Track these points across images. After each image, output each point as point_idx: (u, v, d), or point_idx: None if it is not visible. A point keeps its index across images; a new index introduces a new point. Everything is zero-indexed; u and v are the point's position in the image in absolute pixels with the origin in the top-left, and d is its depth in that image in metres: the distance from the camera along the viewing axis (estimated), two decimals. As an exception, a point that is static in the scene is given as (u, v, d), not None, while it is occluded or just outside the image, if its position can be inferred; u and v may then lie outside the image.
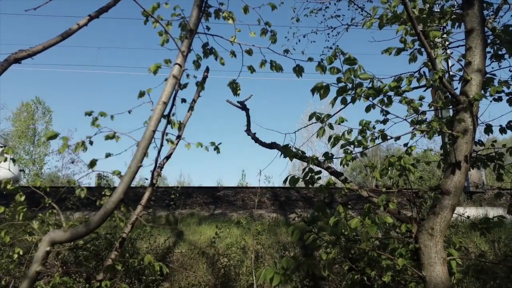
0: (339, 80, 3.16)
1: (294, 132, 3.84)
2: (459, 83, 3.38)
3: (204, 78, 4.26)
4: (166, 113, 3.02)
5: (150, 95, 3.18)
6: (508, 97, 3.53)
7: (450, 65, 7.59)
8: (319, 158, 3.56)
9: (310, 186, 3.38)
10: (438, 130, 3.09)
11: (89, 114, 3.39)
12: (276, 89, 58.12)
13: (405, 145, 3.42)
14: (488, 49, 3.48)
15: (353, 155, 3.48)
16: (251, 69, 3.88)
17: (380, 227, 4.93)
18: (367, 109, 3.44)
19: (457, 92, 3.21)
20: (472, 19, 3.18)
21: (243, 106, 4.54)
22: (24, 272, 5.53)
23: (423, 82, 3.54)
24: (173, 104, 3.53)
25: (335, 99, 3.27)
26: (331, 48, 9.53)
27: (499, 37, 3.50)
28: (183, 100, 3.95)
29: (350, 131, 3.44)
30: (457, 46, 3.96)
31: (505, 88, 3.40)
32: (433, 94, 5.95)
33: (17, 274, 5.66)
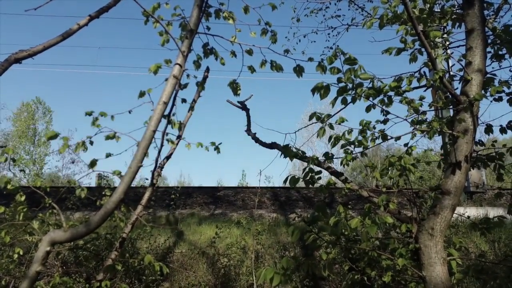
0: (339, 80, 3.16)
1: (295, 132, 3.84)
2: (459, 83, 3.39)
3: (205, 78, 4.26)
4: (166, 113, 3.02)
5: (150, 95, 3.18)
6: (508, 97, 3.53)
7: (450, 65, 7.60)
8: (319, 158, 3.56)
9: (310, 186, 3.38)
10: (439, 130, 3.09)
11: (89, 114, 3.39)
12: (276, 89, 58.17)
13: (406, 145, 3.42)
14: (488, 49, 3.48)
15: (353, 155, 3.47)
16: (252, 69, 3.88)
17: (380, 227, 4.93)
18: (368, 109, 3.44)
19: (458, 92, 3.21)
20: (473, 19, 3.18)
21: (243, 106, 4.54)
22: (24, 272, 5.53)
23: (424, 82, 3.54)
24: (173, 104, 3.53)
25: (336, 99, 3.27)
26: (331, 48, 9.54)
27: (499, 37, 3.50)
28: (184, 100, 3.95)
29: (350, 131, 3.44)
30: (458, 46, 3.96)
31: (505, 88, 3.40)
32: (433, 94, 5.95)
33: (17, 274, 5.66)
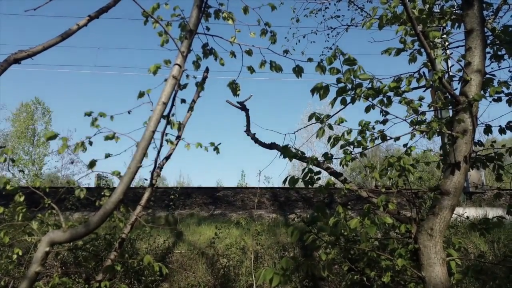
0: (338, 81, 3.16)
1: (294, 133, 3.85)
2: (458, 83, 3.39)
3: (204, 78, 4.25)
4: (165, 113, 3.02)
5: (149, 96, 3.18)
6: (507, 98, 3.53)
7: (449, 65, 7.59)
8: (318, 159, 3.56)
9: (309, 186, 3.38)
10: (438, 130, 3.09)
11: (88, 114, 3.39)
12: (276, 89, 58.20)
13: (405, 145, 3.42)
14: (487, 49, 3.48)
15: (352, 156, 3.48)
16: (251, 69, 3.88)
17: (380, 227, 4.93)
18: (367, 110, 3.44)
19: (457, 92, 3.21)
20: (472, 19, 3.18)
21: (242, 107, 4.54)
22: (23, 272, 5.52)
23: (423, 82, 3.54)
24: (172, 105, 3.53)
25: (335, 99, 3.27)
26: (330, 48, 9.53)
27: (498, 37, 3.50)
28: (183, 101, 3.95)
29: (349, 131, 3.44)
30: (457, 47, 3.97)
31: (504, 89, 3.40)
32: (432, 94, 5.95)
33: (17, 274, 5.66)
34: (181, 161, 55.65)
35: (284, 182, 3.29)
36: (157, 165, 4.03)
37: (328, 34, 10.09)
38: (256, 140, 4.31)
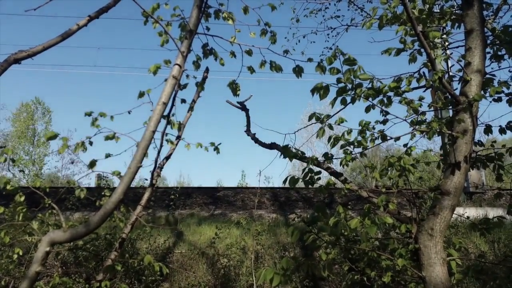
0: (338, 81, 3.16)
1: (294, 133, 3.85)
2: (458, 83, 3.39)
3: (204, 78, 4.25)
4: (165, 113, 3.03)
5: (149, 96, 3.18)
6: (507, 98, 3.53)
7: (449, 65, 7.59)
8: (318, 159, 3.56)
9: (310, 186, 3.38)
10: (438, 130, 3.09)
11: (88, 114, 3.39)
12: (276, 89, 58.19)
13: (405, 145, 3.42)
14: (487, 49, 3.48)
15: (353, 156, 3.48)
16: (251, 69, 3.88)
17: (380, 227, 4.93)
18: (367, 110, 3.44)
19: (457, 92, 3.21)
20: (472, 19, 3.18)
21: (243, 107, 4.54)
22: (24, 272, 5.52)
23: (423, 82, 3.54)
24: (172, 105, 3.53)
25: (335, 99, 3.27)
26: (331, 48, 9.52)
27: (498, 37, 3.50)
28: (183, 101, 3.95)
29: (349, 131, 3.44)
30: (457, 47, 3.97)
31: (504, 89, 3.40)
32: (432, 94, 5.95)
33: (17, 274, 5.66)
34: (181, 161, 55.72)
35: (284, 182, 3.29)
36: (157, 165, 4.03)
37: (328, 34, 10.09)
38: (256, 140, 4.31)
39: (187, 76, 3.91)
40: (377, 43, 5.49)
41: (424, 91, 3.65)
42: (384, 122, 3.52)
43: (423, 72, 3.60)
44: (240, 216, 8.80)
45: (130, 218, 4.19)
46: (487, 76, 3.33)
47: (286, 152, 3.52)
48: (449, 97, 3.28)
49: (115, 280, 5.41)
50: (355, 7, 9.36)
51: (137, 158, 2.52)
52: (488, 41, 3.53)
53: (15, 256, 4.37)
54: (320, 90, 3.14)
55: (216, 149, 4.30)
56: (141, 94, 3.25)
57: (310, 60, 3.56)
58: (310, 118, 3.50)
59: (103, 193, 4.24)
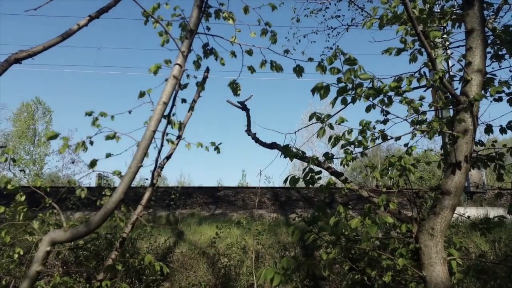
0: (339, 80, 3.16)
1: (295, 132, 3.85)
2: (459, 83, 3.39)
3: (204, 78, 4.26)
4: (166, 113, 3.03)
5: (150, 95, 3.18)
6: (508, 97, 3.53)
7: (450, 65, 7.60)
8: (319, 158, 3.56)
9: (310, 186, 3.38)
10: (439, 130, 3.09)
11: (89, 114, 3.39)
12: (276, 89, 58.18)
13: (406, 145, 3.42)
14: (488, 49, 3.48)
15: (353, 155, 3.47)
16: (252, 69, 3.88)
17: (381, 227, 4.93)
18: (367, 109, 3.44)
19: (458, 92, 3.21)
20: (472, 19, 3.18)
21: (243, 106, 4.54)
22: (24, 272, 5.53)
23: (424, 82, 3.54)
24: (173, 104, 3.53)
25: (335, 99, 3.27)
26: (331, 48, 9.53)
27: (499, 37, 3.50)
28: (183, 100, 3.96)
29: (350, 131, 3.44)
30: (458, 47, 3.96)
31: (505, 88, 3.39)
32: (433, 94, 5.95)
33: (18, 274, 5.67)
34: (182, 161, 55.69)
35: (285, 181, 3.29)
36: (158, 165, 4.04)
37: (328, 34, 10.11)
38: (257, 140, 4.31)
39: (188, 76, 3.92)
40: (377, 42, 5.48)
41: (425, 90, 3.65)
42: (385, 121, 3.52)
43: (424, 72, 3.60)
44: (240, 216, 8.80)
45: (130, 217, 4.20)
46: (488, 75, 3.33)
47: (287, 151, 3.52)
48: (450, 96, 3.28)
49: (116, 279, 5.41)
50: (356, 7, 9.38)
51: (137, 157, 2.52)
52: (489, 41, 3.53)
53: (16, 255, 4.37)
54: (321, 90, 3.14)
55: (217, 148, 4.30)
56: (142, 94, 3.25)
57: (310, 59, 3.56)
58: (310, 117, 3.50)
59: (103, 193, 4.24)
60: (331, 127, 3.51)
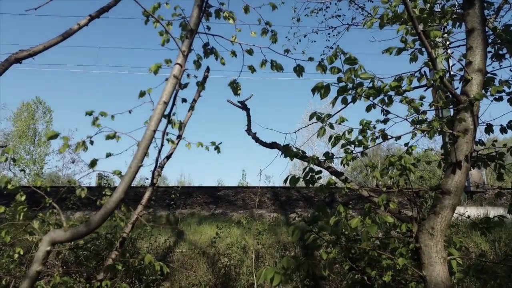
0: (339, 80, 3.16)
1: (295, 132, 3.85)
2: (459, 82, 3.38)
3: (205, 78, 4.26)
4: (166, 113, 3.03)
5: (150, 95, 3.18)
6: (508, 97, 3.53)
7: (450, 64, 7.59)
8: (319, 158, 3.56)
9: (310, 185, 3.38)
10: (439, 129, 3.09)
11: (89, 114, 3.39)
12: (276, 89, 58.17)
13: (406, 144, 3.42)
14: (488, 48, 3.48)
15: (353, 155, 3.47)
16: (252, 68, 3.88)
17: (381, 226, 4.93)
18: (368, 109, 3.44)
19: (458, 91, 3.20)
20: (473, 18, 3.18)
21: (243, 106, 4.54)
22: (24, 272, 5.53)
23: (424, 81, 3.53)
24: (173, 104, 3.54)
25: (336, 98, 3.27)
26: (331, 48, 9.53)
27: (500, 36, 3.49)
28: (184, 100, 3.96)
29: (350, 130, 3.44)
30: (458, 46, 3.96)
31: (505, 88, 3.39)
32: (433, 93, 5.95)
33: (18, 274, 5.66)
34: (182, 161, 55.75)
35: (285, 181, 3.29)
36: (158, 165, 4.04)
37: (329, 34, 10.12)
38: (257, 140, 4.31)
39: (188, 75, 3.92)
40: (378, 42, 5.49)
41: (425, 90, 3.65)
42: (385, 121, 3.52)
43: (424, 71, 3.59)
44: (240, 216, 8.80)
45: (131, 217, 4.20)
46: (488, 75, 3.33)
47: (287, 151, 3.52)
48: (450, 96, 3.28)
49: (116, 279, 5.41)
50: (356, 7, 9.38)
51: (138, 157, 2.52)
52: (489, 40, 3.52)
53: (16, 255, 4.38)
54: (321, 90, 3.14)
55: (217, 148, 4.30)
56: (142, 94, 3.25)
57: (311, 59, 3.56)
58: (311, 117, 3.50)
59: (104, 193, 4.24)
60: (331, 126, 3.51)
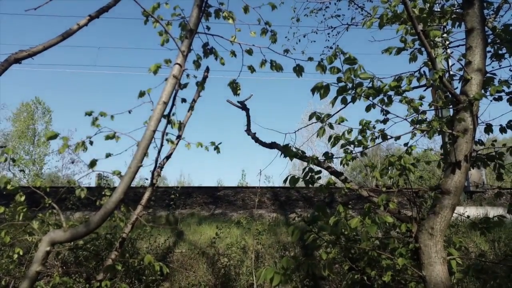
0: (339, 80, 3.16)
1: (294, 132, 3.84)
2: (459, 82, 3.39)
3: (204, 78, 4.25)
4: (166, 113, 3.02)
5: (150, 95, 3.18)
6: (508, 97, 3.53)
7: (450, 64, 7.59)
8: (319, 158, 3.56)
9: (310, 186, 3.38)
10: (438, 129, 3.09)
11: (89, 114, 3.39)
12: (276, 89, 58.18)
13: (405, 144, 3.42)
14: (488, 48, 3.48)
15: (353, 155, 3.47)
16: (251, 68, 3.88)
17: (380, 226, 4.93)
18: (367, 109, 3.44)
19: (457, 91, 3.20)
20: (473, 18, 3.18)
21: (243, 106, 4.54)
22: (24, 272, 5.53)
23: (423, 81, 3.53)
24: (173, 104, 3.54)
25: (335, 98, 3.27)
26: (331, 47, 9.54)
27: (499, 36, 3.50)
28: (183, 100, 3.96)
29: (350, 130, 3.44)
30: (457, 46, 3.96)
31: (505, 88, 3.39)
32: (433, 93, 5.95)
33: (17, 274, 5.66)
34: (182, 161, 55.71)
35: (285, 181, 3.29)
36: (157, 165, 4.04)
37: (328, 34, 10.14)
38: (257, 140, 4.31)
39: (188, 75, 3.92)
40: (377, 42, 5.49)
41: (425, 90, 3.65)
42: (385, 121, 3.52)
43: (424, 71, 3.59)
44: (240, 216, 8.80)
45: (130, 217, 4.20)
46: (488, 75, 3.33)
47: (287, 151, 3.52)
48: (450, 96, 3.28)
49: (116, 279, 5.41)
50: (356, 6, 9.39)
51: (137, 157, 2.52)
52: (489, 40, 3.52)
53: (16, 256, 4.37)
54: (321, 89, 3.14)
55: (217, 148, 4.30)
56: (142, 94, 3.25)
57: (310, 59, 3.56)
58: (310, 117, 3.50)
59: (103, 193, 4.24)
60: (331, 126, 3.51)
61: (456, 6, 4.03)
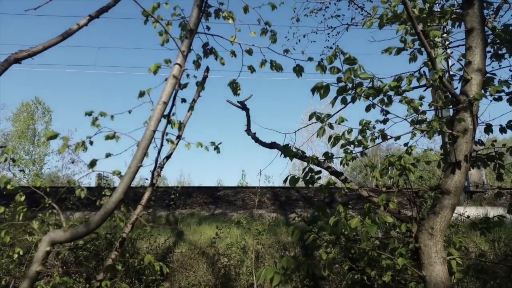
0: (339, 80, 3.16)
1: (294, 132, 3.84)
2: (459, 82, 3.39)
3: (204, 78, 4.26)
4: (166, 113, 3.02)
5: (150, 95, 3.18)
6: (508, 97, 3.53)
7: (450, 64, 7.59)
8: (319, 158, 3.56)
9: (310, 186, 3.38)
10: (438, 129, 3.09)
11: (89, 114, 3.39)
12: (276, 89, 58.18)
13: (405, 144, 3.42)
14: (488, 48, 3.48)
15: (353, 155, 3.48)
16: (251, 69, 3.88)
17: (380, 226, 4.93)
18: (367, 109, 3.44)
19: (457, 91, 3.21)
20: (472, 18, 3.18)
21: (243, 106, 4.54)
22: (24, 272, 5.53)
23: (423, 81, 3.53)
24: (173, 104, 3.54)
25: (335, 98, 3.27)
26: (331, 48, 9.54)
27: (499, 36, 3.50)
28: (183, 100, 3.96)
29: (350, 130, 3.44)
30: (457, 46, 3.96)
31: (505, 88, 3.39)
32: (433, 93, 5.94)
33: (17, 274, 5.66)
34: (182, 161, 55.72)
35: (285, 181, 3.29)
36: (157, 165, 4.04)
37: (328, 34, 10.13)
38: (257, 140, 4.31)
39: (188, 75, 3.92)
40: (377, 42, 5.49)
41: (425, 90, 3.65)
42: (385, 121, 3.52)
43: (424, 71, 3.59)
44: (240, 216, 8.80)
45: (130, 217, 4.20)
46: (488, 75, 3.33)
47: (287, 151, 3.52)
48: (450, 96, 3.28)
49: (116, 279, 5.41)
50: (356, 7, 9.39)
51: (137, 157, 2.52)
52: (489, 40, 3.52)
53: (16, 255, 4.37)
54: (321, 90, 3.14)
55: (217, 148, 4.30)
56: (142, 94, 3.25)
57: (310, 59, 3.56)
58: (310, 117, 3.50)
59: (103, 193, 4.24)
60: (331, 126, 3.51)
61: (456, 6, 4.03)
